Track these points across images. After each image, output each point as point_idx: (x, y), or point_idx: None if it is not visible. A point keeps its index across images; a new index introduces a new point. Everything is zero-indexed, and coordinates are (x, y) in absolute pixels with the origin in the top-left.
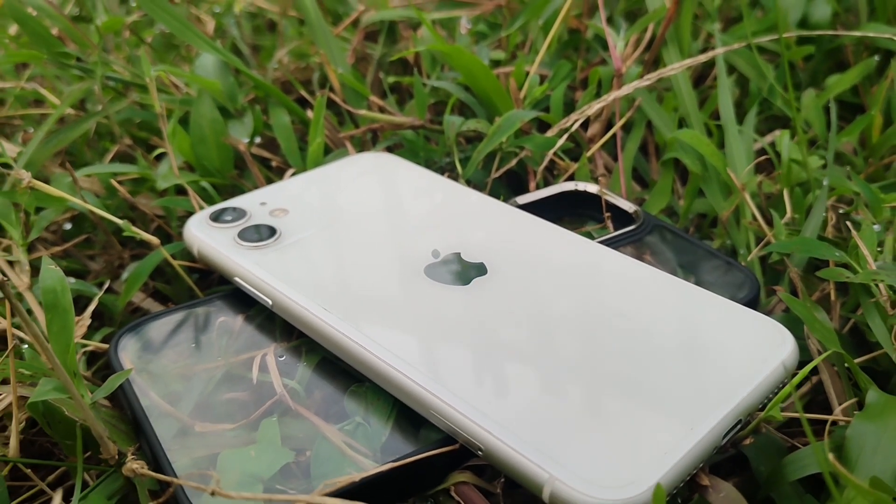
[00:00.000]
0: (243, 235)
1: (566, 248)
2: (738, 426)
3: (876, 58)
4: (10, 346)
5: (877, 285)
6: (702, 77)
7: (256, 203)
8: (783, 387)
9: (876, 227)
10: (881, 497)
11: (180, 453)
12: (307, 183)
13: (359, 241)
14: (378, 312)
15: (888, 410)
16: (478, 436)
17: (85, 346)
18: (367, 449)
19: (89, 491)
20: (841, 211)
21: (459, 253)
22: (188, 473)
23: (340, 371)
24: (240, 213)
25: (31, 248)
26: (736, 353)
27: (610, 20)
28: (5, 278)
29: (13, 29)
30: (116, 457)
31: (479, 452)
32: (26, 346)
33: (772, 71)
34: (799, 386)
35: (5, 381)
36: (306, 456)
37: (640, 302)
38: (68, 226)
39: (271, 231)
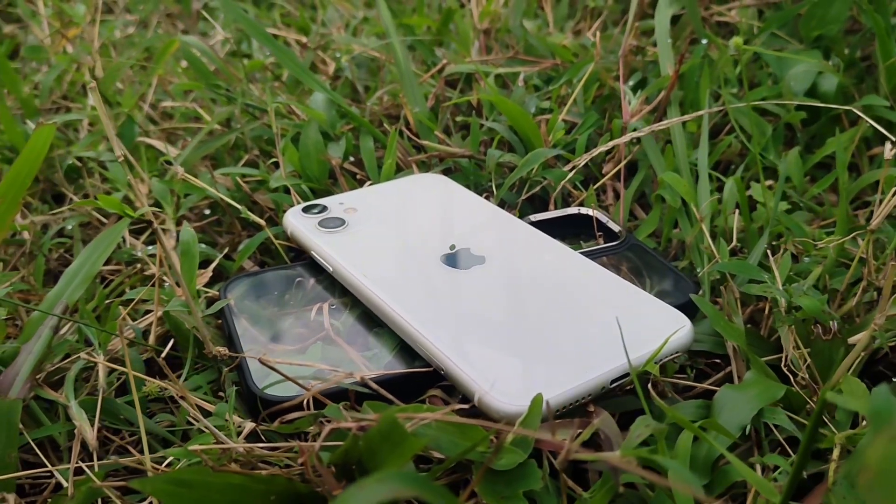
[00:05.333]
0: (322, 224)
1: (547, 250)
2: (626, 377)
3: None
4: (156, 277)
5: (781, 298)
6: (716, 131)
7: (336, 203)
8: (677, 356)
9: (806, 259)
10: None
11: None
12: (376, 191)
13: (400, 234)
14: (399, 281)
15: (753, 384)
16: (441, 360)
17: (207, 292)
18: (377, 368)
19: (194, 374)
20: (774, 243)
21: (469, 248)
22: (251, 350)
23: (369, 318)
24: (323, 208)
25: (178, 223)
26: (640, 328)
27: (645, 82)
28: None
29: (184, 63)
30: (213, 354)
31: (442, 372)
32: (167, 284)
33: (770, 130)
34: (718, 372)
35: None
36: (338, 370)
37: (581, 287)
38: (207, 211)
39: (342, 222)
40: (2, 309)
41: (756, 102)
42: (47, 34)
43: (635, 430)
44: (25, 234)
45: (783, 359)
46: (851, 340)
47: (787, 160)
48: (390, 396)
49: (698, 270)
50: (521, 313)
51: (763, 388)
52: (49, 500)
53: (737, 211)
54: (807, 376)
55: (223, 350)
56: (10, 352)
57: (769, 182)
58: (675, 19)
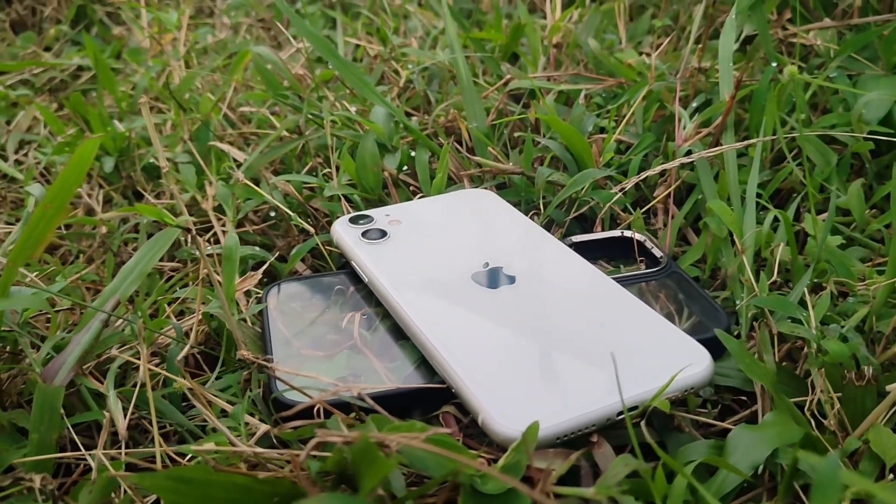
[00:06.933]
0: (365, 234)
1: (580, 274)
2: (635, 409)
3: None
4: (200, 279)
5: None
6: (782, 157)
7: (383, 214)
8: (693, 392)
9: (850, 298)
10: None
11: (285, 364)
12: (422, 205)
13: (438, 249)
14: (426, 295)
15: (771, 424)
16: (452, 378)
17: (257, 293)
18: (397, 380)
19: (226, 373)
20: (817, 280)
21: (502, 267)
22: (281, 353)
23: (396, 330)
24: (368, 219)
25: (240, 224)
26: (656, 361)
27: (709, 104)
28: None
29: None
30: (245, 355)
31: (453, 390)
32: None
33: (835, 159)
34: (745, 410)
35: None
36: (360, 378)
37: (607, 315)
38: (273, 213)
39: (384, 234)
40: (66, 300)
41: (812, 132)
42: (146, 38)
43: (614, 468)
44: (103, 229)
45: (808, 402)
46: (889, 388)
47: (849, 192)
48: (384, 412)
49: (737, 303)
50: (539, 337)
51: (782, 429)
52: (78, 481)
53: (782, 244)
54: (834, 422)
55: (247, 353)
56: (69, 340)
57: (825, 215)
58: (750, 39)
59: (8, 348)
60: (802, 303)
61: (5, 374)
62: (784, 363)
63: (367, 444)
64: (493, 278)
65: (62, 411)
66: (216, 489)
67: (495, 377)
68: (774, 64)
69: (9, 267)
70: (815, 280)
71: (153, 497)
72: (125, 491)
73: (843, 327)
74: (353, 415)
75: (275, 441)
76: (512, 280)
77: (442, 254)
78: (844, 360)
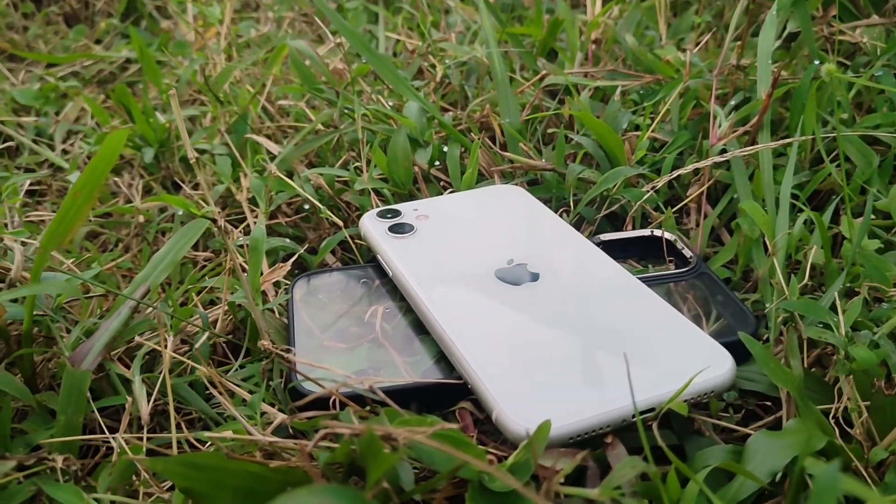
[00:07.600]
0: (392, 228)
1: (605, 273)
2: (651, 412)
3: None
4: (227, 269)
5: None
6: (822, 158)
7: (410, 209)
8: (713, 395)
9: (884, 304)
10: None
11: (307, 355)
12: (451, 200)
13: (464, 244)
14: (448, 290)
15: (793, 431)
16: (468, 373)
17: (286, 284)
18: (415, 374)
19: (249, 362)
20: (849, 284)
21: (526, 264)
22: (303, 344)
23: (418, 324)
24: (396, 213)
25: (273, 216)
26: (676, 363)
27: (748, 101)
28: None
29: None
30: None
31: (469, 385)
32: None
33: (877, 160)
34: (770, 415)
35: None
36: (380, 371)
37: (629, 315)
38: (306, 206)
39: (410, 228)
40: (99, 287)
41: (854, 132)
42: (190, 31)
43: (620, 470)
44: (141, 218)
45: (833, 410)
46: None
47: (890, 195)
48: (395, 406)
49: (767, 306)
50: (559, 335)
51: (804, 436)
52: (100, 463)
53: (815, 246)
54: (861, 431)
55: (267, 343)
56: (99, 326)
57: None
58: (794, 36)
59: (42, 332)
60: (834, 307)
61: (39, 357)
62: (813, 369)
63: (373, 436)
64: (517, 275)
65: (90, 395)
66: (228, 476)
67: (511, 374)
68: (818, 62)
69: (41, 252)
70: (849, 285)
71: (170, 482)
72: (144, 474)
73: (874, 334)
74: (368, 408)
75: (291, 431)
76: (536, 277)
77: (467, 249)
78: (872, 367)
